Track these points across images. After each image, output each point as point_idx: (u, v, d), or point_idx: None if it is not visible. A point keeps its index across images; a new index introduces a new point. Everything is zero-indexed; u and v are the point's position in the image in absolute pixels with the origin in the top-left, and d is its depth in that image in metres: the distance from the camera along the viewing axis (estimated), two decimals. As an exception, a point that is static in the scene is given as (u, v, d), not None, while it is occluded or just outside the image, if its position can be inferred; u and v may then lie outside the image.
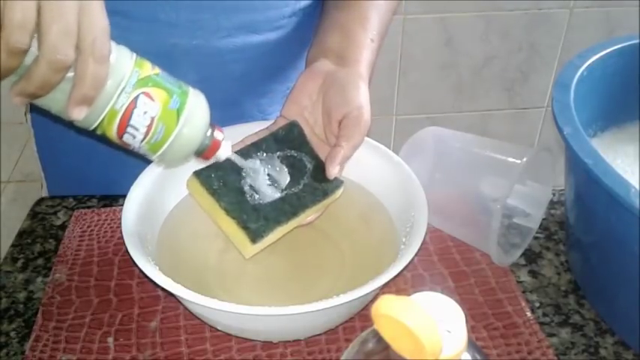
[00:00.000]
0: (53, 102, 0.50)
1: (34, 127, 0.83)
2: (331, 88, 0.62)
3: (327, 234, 0.63)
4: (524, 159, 0.61)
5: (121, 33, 0.55)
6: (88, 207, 0.74)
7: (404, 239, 0.58)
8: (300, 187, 0.60)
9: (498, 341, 0.58)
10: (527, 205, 0.68)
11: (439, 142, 0.69)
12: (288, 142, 0.62)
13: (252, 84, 0.78)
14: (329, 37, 0.68)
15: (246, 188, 0.59)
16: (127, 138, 0.52)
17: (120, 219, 0.57)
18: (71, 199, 0.75)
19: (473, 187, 0.64)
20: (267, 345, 0.58)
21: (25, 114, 0.83)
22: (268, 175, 0.60)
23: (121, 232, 0.56)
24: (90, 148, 0.80)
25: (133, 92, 0.50)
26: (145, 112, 0.51)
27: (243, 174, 0.59)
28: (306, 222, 0.61)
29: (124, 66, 0.50)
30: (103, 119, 0.51)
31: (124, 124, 0.51)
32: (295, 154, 0.62)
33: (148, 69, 0.52)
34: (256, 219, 0.57)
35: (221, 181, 0.58)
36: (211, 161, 0.57)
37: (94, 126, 0.51)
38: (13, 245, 0.69)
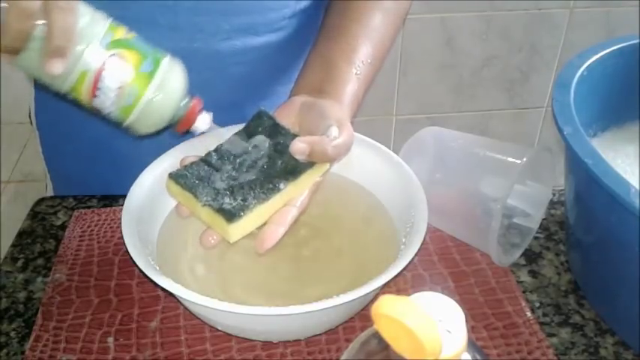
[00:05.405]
0: (30, 61, 0.50)
1: (39, 129, 0.83)
2: (309, 113, 0.61)
3: (327, 234, 0.63)
4: (524, 159, 0.61)
5: None
6: (88, 207, 0.74)
7: (404, 239, 0.58)
8: (280, 165, 0.58)
9: (498, 341, 0.58)
10: (527, 205, 0.68)
11: (439, 142, 0.69)
12: (262, 131, 0.61)
13: (254, 86, 0.78)
14: (310, 74, 0.67)
15: (224, 178, 0.57)
16: (97, 102, 0.53)
17: (120, 219, 0.57)
18: (71, 199, 0.75)
19: (473, 187, 0.64)
20: (267, 345, 0.58)
21: (30, 115, 0.83)
22: (244, 160, 0.59)
23: (121, 232, 0.56)
24: (94, 151, 0.80)
25: (105, 52, 0.51)
26: (117, 75, 0.51)
27: (218, 167, 0.58)
28: (299, 205, 0.58)
29: (97, 26, 0.51)
30: (76, 80, 0.51)
31: (95, 85, 0.51)
32: (274, 138, 0.60)
33: (123, 32, 0.52)
34: (232, 201, 0.56)
35: (195, 178, 0.57)
36: (191, 134, 0.57)
37: (67, 87, 0.52)
38: (13, 245, 0.69)
